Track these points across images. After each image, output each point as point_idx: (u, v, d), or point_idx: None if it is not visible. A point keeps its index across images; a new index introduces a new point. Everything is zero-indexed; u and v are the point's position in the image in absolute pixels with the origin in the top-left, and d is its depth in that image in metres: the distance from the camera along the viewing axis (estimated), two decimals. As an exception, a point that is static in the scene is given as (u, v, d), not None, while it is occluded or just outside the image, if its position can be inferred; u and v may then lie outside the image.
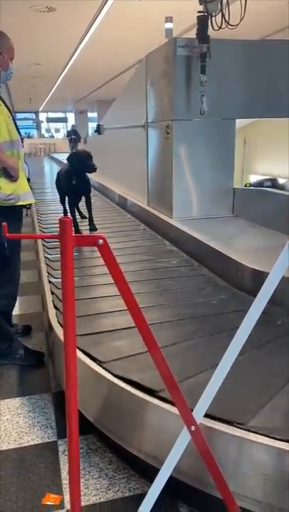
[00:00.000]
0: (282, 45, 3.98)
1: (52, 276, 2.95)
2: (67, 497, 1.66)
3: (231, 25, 3.63)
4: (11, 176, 2.27)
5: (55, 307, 2.46)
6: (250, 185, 5.31)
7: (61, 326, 2.26)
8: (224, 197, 4.08)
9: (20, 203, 2.35)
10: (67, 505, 1.62)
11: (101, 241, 0.99)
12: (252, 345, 1.78)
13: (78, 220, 4.26)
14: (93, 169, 3.88)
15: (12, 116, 2.35)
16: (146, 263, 3.27)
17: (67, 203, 4.38)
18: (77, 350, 1.68)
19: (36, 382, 2.44)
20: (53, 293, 2.65)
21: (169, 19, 4.24)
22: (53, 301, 2.55)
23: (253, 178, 6.93)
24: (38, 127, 28.73)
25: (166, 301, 2.58)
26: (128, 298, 1.06)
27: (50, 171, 13.04)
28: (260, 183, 4.83)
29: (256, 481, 1.35)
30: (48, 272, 3.05)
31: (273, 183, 4.89)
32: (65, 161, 4.20)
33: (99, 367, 1.82)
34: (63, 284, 1.07)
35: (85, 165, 3.89)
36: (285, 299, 2.16)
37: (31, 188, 2.50)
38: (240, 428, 1.37)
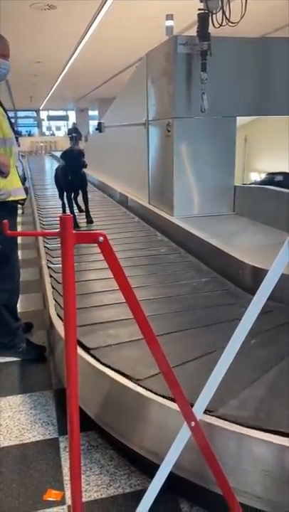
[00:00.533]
0: (283, 43, 3.97)
1: (51, 262, 3.01)
2: (68, 493, 1.67)
3: (232, 23, 3.63)
4: (1, 173, 2.30)
5: (55, 300, 2.49)
6: (260, 181, 5.22)
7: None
8: (225, 195, 4.08)
9: (11, 199, 2.38)
10: (69, 501, 1.63)
11: (101, 238, 1.00)
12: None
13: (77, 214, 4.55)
14: (84, 166, 4.21)
15: (6, 114, 2.37)
16: (140, 251, 3.53)
17: (65, 198, 4.55)
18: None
19: (37, 380, 2.45)
20: (53, 287, 2.66)
21: (169, 17, 4.23)
22: (53, 295, 2.58)
23: (254, 176, 6.92)
24: (39, 125, 28.74)
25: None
26: (128, 295, 1.07)
27: (51, 169, 13.06)
28: (270, 179, 4.77)
29: (256, 477, 1.36)
30: (47, 260, 3.10)
31: (285, 176, 4.82)
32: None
33: (98, 363, 1.83)
34: (64, 281, 1.08)
35: (77, 162, 4.19)
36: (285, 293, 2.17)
37: (24, 186, 2.52)
38: (213, 416, 1.39)
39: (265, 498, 1.35)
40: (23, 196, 2.48)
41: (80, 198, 4.71)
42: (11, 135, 2.36)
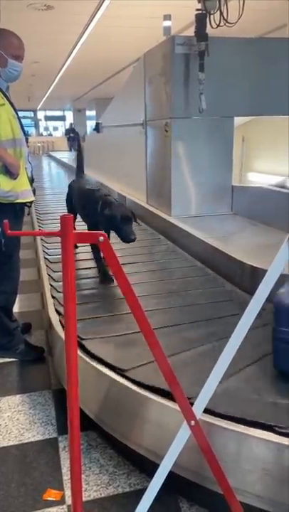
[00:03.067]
0: (281, 43, 3.98)
1: (53, 279, 2.96)
2: (68, 492, 1.67)
3: (229, 23, 3.64)
4: (11, 174, 2.28)
5: (57, 310, 2.49)
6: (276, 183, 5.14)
7: (61, 324, 2.28)
8: (223, 195, 4.09)
9: (19, 201, 2.36)
10: (68, 501, 1.64)
11: (102, 238, 1.00)
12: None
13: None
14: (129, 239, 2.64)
15: (17, 114, 2.35)
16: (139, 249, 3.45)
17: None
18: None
19: (36, 380, 2.46)
20: (53, 297, 2.66)
21: (167, 17, 4.24)
22: (53, 302, 2.57)
23: (252, 177, 6.93)
24: (37, 126, 28.71)
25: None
26: (129, 295, 1.07)
27: (49, 169, 13.05)
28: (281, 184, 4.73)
29: (256, 476, 1.36)
30: (48, 274, 3.06)
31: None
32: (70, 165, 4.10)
33: (99, 364, 1.83)
34: (64, 281, 1.08)
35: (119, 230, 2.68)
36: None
37: (32, 188, 2.50)
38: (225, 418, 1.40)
39: (265, 497, 1.36)
40: (32, 198, 2.46)
41: None
42: (20, 136, 2.34)
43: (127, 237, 2.61)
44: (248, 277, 2.62)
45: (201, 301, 2.49)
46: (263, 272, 1.11)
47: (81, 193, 3.29)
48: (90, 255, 3.13)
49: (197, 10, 3.59)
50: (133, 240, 2.62)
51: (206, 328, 2.14)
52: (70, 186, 3.68)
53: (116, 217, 2.62)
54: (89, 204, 2.92)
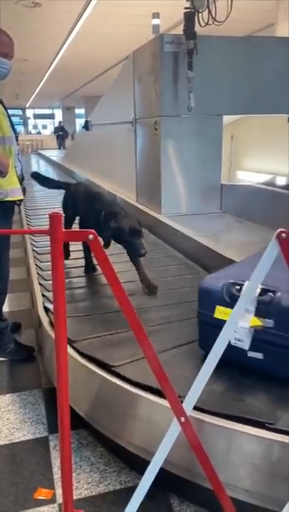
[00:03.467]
0: (269, 42, 4.01)
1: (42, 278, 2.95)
2: (58, 491, 1.67)
3: (218, 22, 3.65)
4: None
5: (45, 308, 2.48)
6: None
7: (51, 323, 2.28)
8: (212, 193, 4.11)
9: (8, 199, 2.35)
10: (59, 500, 1.64)
11: (91, 236, 1.00)
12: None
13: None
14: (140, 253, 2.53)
15: (7, 112, 2.33)
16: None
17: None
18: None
19: (26, 379, 2.45)
20: (43, 295, 2.65)
21: (156, 15, 4.24)
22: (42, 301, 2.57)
23: (241, 175, 6.97)
24: (25, 124, 28.54)
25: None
26: (119, 293, 1.07)
27: (38, 168, 12.98)
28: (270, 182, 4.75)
29: (245, 471, 1.38)
30: (37, 273, 3.05)
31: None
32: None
33: (90, 363, 1.83)
34: (54, 280, 1.08)
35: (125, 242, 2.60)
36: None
37: (22, 186, 2.49)
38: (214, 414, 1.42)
39: (254, 492, 1.37)
40: (21, 197, 2.45)
41: None
42: (10, 134, 2.32)
43: (137, 252, 2.46)
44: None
45: (192, 299, 2.50)
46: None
47: (85, 199, 3.00)
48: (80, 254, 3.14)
49: (186, 8, 3.60)
50: (143, 255, 2.45)
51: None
52: (69, 190, 3.32)
53: (123, 231, 2.45)
54: (92, 212, 2.68)
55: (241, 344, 1.52)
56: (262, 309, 1.52)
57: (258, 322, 1.51)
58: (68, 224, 3.14)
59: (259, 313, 1.51)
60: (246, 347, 1.53)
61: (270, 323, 1.52)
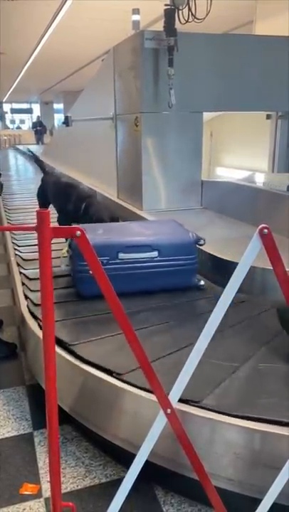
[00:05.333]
0: (248, 40, 4.05)
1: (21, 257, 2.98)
2: (44, 486, 1.68)
3: (198, 19, 3.68)
4: None
5: (26, 297, 2.48)
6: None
7: (34, 318, 2.27)
8: (193, 189, 4.15)
9: None
10: (45, 494, 1.65)
11: (79, 232, 1.01)
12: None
13: None
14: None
15: None
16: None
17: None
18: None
19: (9, 376, 2.44)
20: (23, 284, 2.64)
21: (136, 11, 4.24)
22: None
23: (220, 171, 7.04)
24: (2, 118, 28.08)
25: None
26: (106, 289, 1.09)
27: (15, 163, 12.81)
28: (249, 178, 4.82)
29: (228, 460, 1.42)
30: (18, 264, 3.04)
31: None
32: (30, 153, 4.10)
33: (72, 357, 1.84)
34: (41, 277, 1.09)
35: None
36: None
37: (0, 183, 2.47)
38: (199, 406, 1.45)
39: (236, 480, 1.42)
40: None
41: None
42: None
43: None
44: (218, 270, 2.68)
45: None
46: (233, 264, 1.15)
47: (59, 189, 3.16)
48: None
49: (166, 5, 3.61)
50: None
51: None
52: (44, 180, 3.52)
53: (102, 220, 2.55)
54: (69, 202, 2.83)
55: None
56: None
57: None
58: None
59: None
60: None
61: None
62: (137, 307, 2.26)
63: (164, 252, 2.39)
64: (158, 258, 2.38)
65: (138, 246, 2.39)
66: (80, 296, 2.39)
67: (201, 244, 2.47)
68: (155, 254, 2.38)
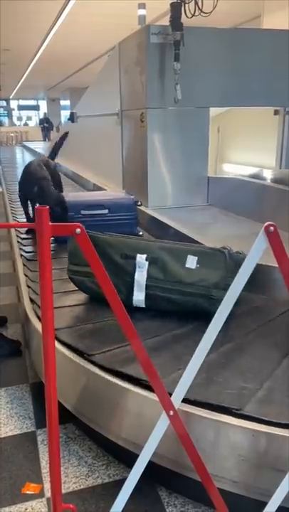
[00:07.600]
0: (256, 34, 4.00)
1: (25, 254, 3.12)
2: (47, 486, 1.67)
3: (204, 13, 3.63)
4: None
5: (31, 300, 2.45)
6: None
7: (37, 316, 2.25)
8: (199, 186, 4.11)
9: None
10: (47, 494, 1.64)
11: (78, 230, 0.99)
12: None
13: None
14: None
15: None
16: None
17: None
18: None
19: (13, 373, 2.43)
20: (28, 286, 2.63)
21: (142, 6, 4.20)
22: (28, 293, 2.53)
23: (227, 167, 6.97)
24: (9, 115, 28.13)
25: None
26: (107, 287, 1.06)
27: (23, 160, 12.82)
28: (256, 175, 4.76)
29: (233, 462, 1.39)
30: (19, 249, 3.20)
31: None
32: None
33: (78, 357, 1.82)
34: (41, 274, 1.07)
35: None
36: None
37: None
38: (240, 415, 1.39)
39: (241, 483, 1.39)
40: None
41: None
42: None
43: None
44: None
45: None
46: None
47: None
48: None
49: (172, -1, 3.57)
50: None
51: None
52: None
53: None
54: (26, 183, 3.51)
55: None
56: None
57: None
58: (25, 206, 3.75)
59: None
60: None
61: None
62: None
63: (112, 209, 3.33)
64: (108, 214, 3.31)
65: (94, 205, 3.33)
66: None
67: (139, 205, 3.39)
68: (106, 211, 3.32)
